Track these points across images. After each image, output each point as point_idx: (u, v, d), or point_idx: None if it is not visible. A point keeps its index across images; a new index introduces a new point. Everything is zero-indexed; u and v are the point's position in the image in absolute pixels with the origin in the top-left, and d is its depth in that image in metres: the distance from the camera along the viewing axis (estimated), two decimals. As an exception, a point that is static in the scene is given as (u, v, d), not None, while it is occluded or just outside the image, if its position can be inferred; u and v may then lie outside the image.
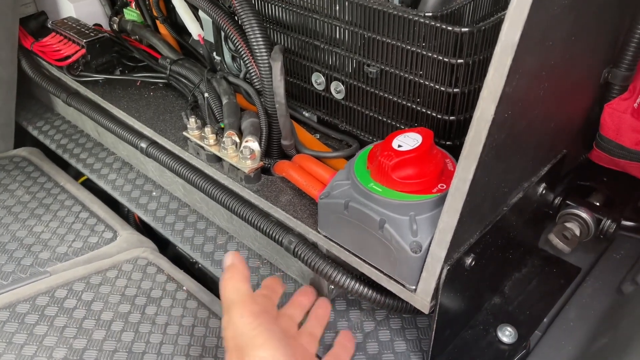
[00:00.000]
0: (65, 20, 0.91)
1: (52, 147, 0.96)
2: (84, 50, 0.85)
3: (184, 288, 0.71)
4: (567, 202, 0.66)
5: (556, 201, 0.66)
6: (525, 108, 0.48)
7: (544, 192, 0.61)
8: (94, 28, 0.89)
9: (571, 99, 0.60)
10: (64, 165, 0.96)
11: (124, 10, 0.93)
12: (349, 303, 0.68)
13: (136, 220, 0.91)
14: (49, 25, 0.91)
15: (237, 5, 0.68)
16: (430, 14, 0.55)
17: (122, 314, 0.66)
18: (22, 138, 1.02)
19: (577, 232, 0.65)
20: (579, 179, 0.70)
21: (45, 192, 0.86)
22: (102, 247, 0.76)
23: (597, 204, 0.67)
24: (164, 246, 0.83)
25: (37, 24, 1.01)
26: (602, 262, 0.69)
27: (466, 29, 0.52)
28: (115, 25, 0.94)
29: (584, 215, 0.65)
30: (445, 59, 0.55)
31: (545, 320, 0.64)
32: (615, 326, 0.60)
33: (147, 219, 0.82)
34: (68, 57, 0.85)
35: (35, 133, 0.99)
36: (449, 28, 0.53)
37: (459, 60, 0.54)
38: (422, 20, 0.54)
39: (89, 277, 0.70)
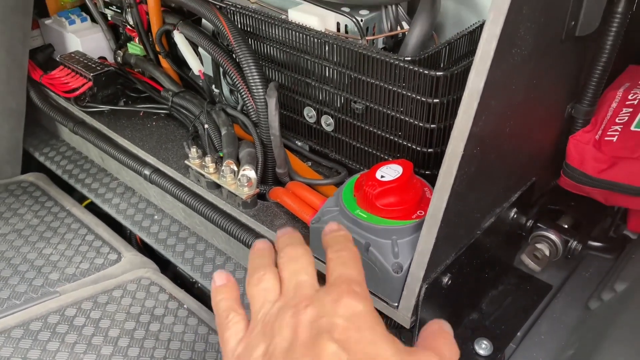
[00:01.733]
0: (72, 54, 0.97)
1: (58, 172, 1.01)
2: (90, 83, 0.90)
3: (185, 306, 0.76)
4: (538, 224, 0.72)
5: (528, 224, 0.72)
6: (493, 143, 0.55)
7: (515, 216, 0.67)
8: (100, 62, 0.95)
9: (537, 132, 0.66)
10: (69, 190, 1.01)
11: (128, 44, 1.00)
12: (339, 319, 0.73)
13: (138, 242, 0.96)
14: (58, 59, 0.96)
15: (235, 44, 0.74)
16: (409, 59, 0.61)
17: (127, 330, 0.71)
18: (28, 163, 1.07)
19: (547, 253, 0.70)
20: (549, 203, 0.76)
21: (53, 216, 0.91)
22: (108, 268, 0.81)
23: (565, 226, 0.73)
24: (164, 267, 0.88)
25: (44, 56, 1.07)
26: (571, 280, 0.75)
27: (441, 73, 0.59)
28: (119, 59, 1.00)
29: (552, 236, 0.71)
30: (423, 99, 0.61)
31: (519, 334, 0.69)
32: (582, 338, 0.65)
33: (149, 241, 0.87)
34: (76, 89, 0.91)
35: (41, 159, 1.05)
36: (426, 72, 0.59)
37: (435, 100, 0.61)
38: (402, 64, 0.61)
39: (96, 296, 0.75)
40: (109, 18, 1.00)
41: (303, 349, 0.38)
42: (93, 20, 1.05)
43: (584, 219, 0.75)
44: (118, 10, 0.96)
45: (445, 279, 0.58)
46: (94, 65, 0.93)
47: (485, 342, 0.67)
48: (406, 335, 0.71)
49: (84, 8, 1.07)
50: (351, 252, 0.46)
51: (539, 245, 0.71)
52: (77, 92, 0.91)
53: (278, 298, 0.43)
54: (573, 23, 0.56)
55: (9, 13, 0.88)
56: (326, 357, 0.37)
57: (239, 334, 0.42)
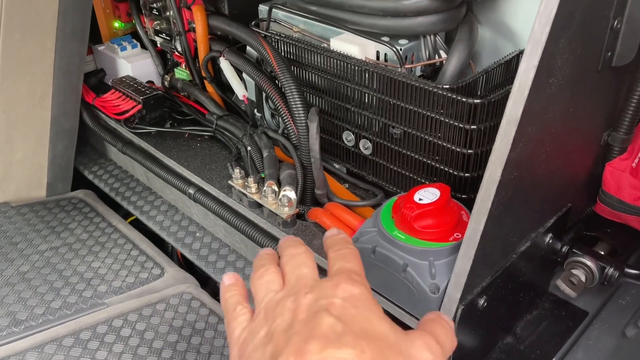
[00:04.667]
0: (123, 79, 1.03)
1: (106, 190, 1.07)
2: (140, 106, 0.96)
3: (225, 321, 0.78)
4: (574, 250, 0.72)
5: (563, 249, 0.73)
6: (530, 169, 0.56)
7: (550, 241, 0.68)
8: (149, 86, 1.01)
9: (573, 159, 0.67)
10: (115, 207, 1.06)
11: (175, 69, 1.05)
12: (374, 339, 0.75)
13: (179, 258, 1.00)
14: (110, 83, 1.02)
15: (278, 71, 0.78)
16: (448, 87, 0.63)
17: (170, 342, 0.74)
18: (76, 181, 1.13)
19: (583, 279, 0.71)
20: (585, 229, 0.77)
21: (100, 231, 0.95)
22: (152, 282, 0.84)
23: (602, 252, 0.74)
24: (204, 282, 0.91)
25: (96, 80, 1.14)
26: (608, 307, 0.75)
27: (479, 101, 0.61)
28: (166, 83, 1.05)
29: (589, 263, 0.71)
30: (460, 125, 0.63)
31: (554, 359, 0.69)
32: (618, 366, 0.65)
33: (191, 257, 0.90)
34: (126, 111, 0.96)
35: (90, 177, 1.10)
36: (464, 99, 0.62)
37: (473, 126, 0.63)
38: (440, 92, 0.63)
39: (141, 309, 0.79)
40: (158, 45, 1.06)
41: (302, 324, 0.40)
42: (143, 46, 1.11)
43: (620, 246, 0.75)
44: (167, 38, 1.01)
45: (481, 301, 0.59)
46: (143, 89, 0.98)
47: (520, 365, 0.68)
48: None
49: (134, 35, 1.13)
50: (350, 250, 0.49)
51: (574, 271, 0.71)
52: (127, 114, 0.96)
53: (280, 289, 0.45)
54: (609, 54, 0.58)
55: (67, 40, 0.94)
56: (323, 328, 0.38)
57: (244, 323, 0.45)
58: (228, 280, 0.51)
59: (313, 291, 0.43)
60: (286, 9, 0.83)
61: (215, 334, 0.76)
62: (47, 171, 1.03)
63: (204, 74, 0.97)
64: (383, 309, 0.64)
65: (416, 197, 0.61)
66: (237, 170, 0.79)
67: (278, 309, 0.43)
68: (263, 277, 0.46)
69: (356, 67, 0.72)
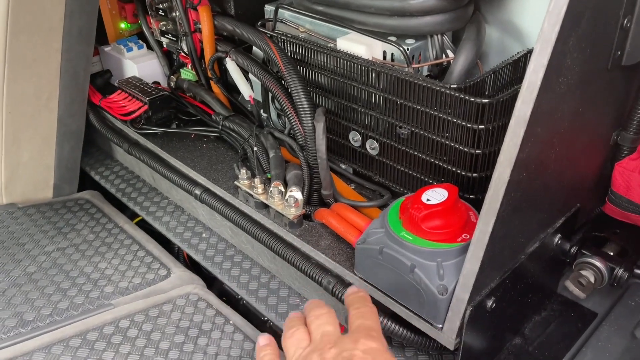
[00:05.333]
0: (129, 79, 1.03)
1: (112, 190, 1.07)
2: (146, 107, 0.95)
3: (231, 322, 0.78)
4: (583, 251, 0.72)
5: (572, 250, 0.72)
6: (539, 170, 0.56)
7: (559, 242, 0.68)
8: (155, 86, 1.01)
9: (583, 159, 0.67)
10: (121, 208, 1.06)
11: (181, 70, 1.05)
12: (381, 340, 0.74)
13: (185, 258, 1.00)
14: (116, 84, 1.02)
15: (285, 71, 0.78)
16: (455, 86, 0.63)
17: (177, 343, 0.74)
18: (83, 181, 1.13)
19: (592, 280, 0.70)
20: (594, 229, 0.76)
21: (107, 232, 0.95)
22: (158, 283, 0.84)
23: (611, 253, 0.73)
24: (210, 283, 0.91)
25: (102, 81, 1.14)
26: (617, 308, 0.74)
27: (487, 101, 0.61)
28: (172, 83, 1.05)
29: (598, 264, 0.70)
30: (468, 125, 0.63)
31: (563, 361, 0.69)
32: (628, 368, 0.65)
33: (197, 258, 0.90)
34: (132, 112, 0.96)
35: (97, 178, 1.10)
36: (472, 99, 0.61)
37: (481, 126, 0.62)
38: (448, 91, 0.63)
39: (148, 310, 0.79)
40: (164, 45, 1.06)
41: None
42: (149, 47, 1.11)
43: (629, 247, 0.75)
44: (173, 39, 1.01)
45: (490, 302, 0.59)
46: (149, 90, 0.98)
47: (529, 367, 0.67)
48: (447, 358, 0.72)
49: (140, 36, 1.14)
50: (369, 308, 0.57)
51: (583, 272, 0.71)
52: (134, 115, 0.96)
53: (308, 345, 0.53)
54: (619, 53, 0.57)
55: (74, 41, 0.94)
56: None
57: None
58: (263, 342, 0.59)
59: (336, 346, 0.51)
60: (292, 9, 0.82)
61: (222, 334, 0.76)
62: (54, 172, 1.04)
63: (210, 75, 0.97)
64: (390, 310, 0.64)
65: (424, 198, 0.60)
66: (243, 171, 0.79)
67: None
68: (293, 337, 0.55)
69: (363, 67, 0.71)
